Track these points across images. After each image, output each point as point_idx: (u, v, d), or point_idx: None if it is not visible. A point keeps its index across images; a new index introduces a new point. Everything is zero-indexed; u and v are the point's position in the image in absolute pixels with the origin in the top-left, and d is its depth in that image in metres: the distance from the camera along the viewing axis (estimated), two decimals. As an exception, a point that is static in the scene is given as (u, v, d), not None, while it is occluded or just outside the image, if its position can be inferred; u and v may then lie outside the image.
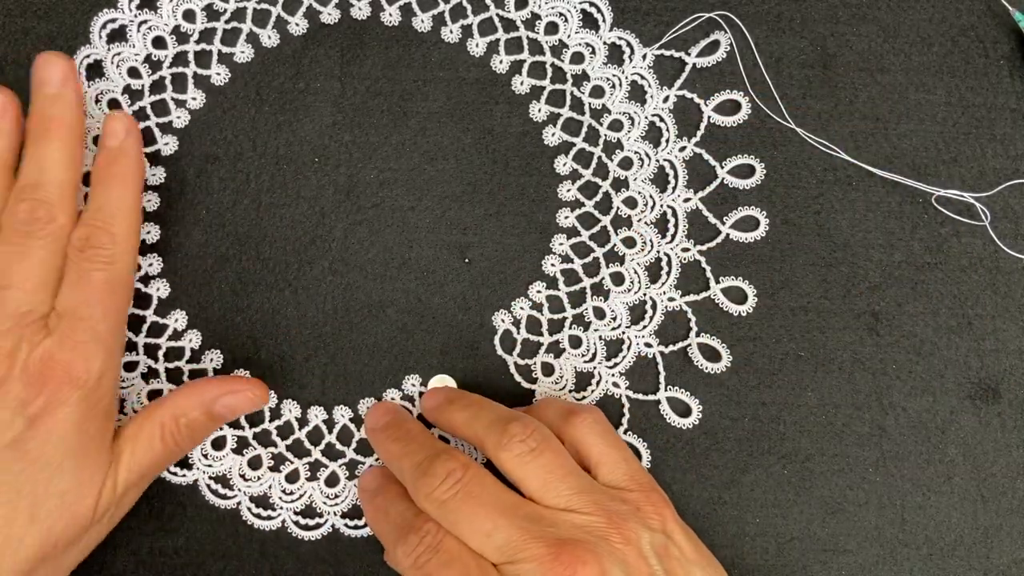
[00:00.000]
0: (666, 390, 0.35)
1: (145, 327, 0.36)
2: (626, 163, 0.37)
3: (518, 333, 0.36)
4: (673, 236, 0.36)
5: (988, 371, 0.35)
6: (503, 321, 0.36)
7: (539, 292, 0.36)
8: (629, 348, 0.36)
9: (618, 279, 0.36)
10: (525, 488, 0.29)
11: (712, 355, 0.35)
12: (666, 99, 0.37)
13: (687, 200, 0.36)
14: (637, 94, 0.37)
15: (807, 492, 0.35)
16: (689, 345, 0.36)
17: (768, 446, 0.35)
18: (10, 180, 0.32)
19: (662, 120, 0.37)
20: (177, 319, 0.36)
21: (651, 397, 0.35)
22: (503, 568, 0.27)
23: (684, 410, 0.35)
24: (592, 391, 0.35)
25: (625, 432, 0.35)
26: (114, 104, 0.37)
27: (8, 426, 0.29)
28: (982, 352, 0.35)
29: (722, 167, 0.37)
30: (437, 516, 0.29)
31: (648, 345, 0.36)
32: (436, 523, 0.29)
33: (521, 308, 0.36)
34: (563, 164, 0.37)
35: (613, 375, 0.35)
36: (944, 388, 0.35)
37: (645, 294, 0.36)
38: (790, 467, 0.35)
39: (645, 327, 0.36)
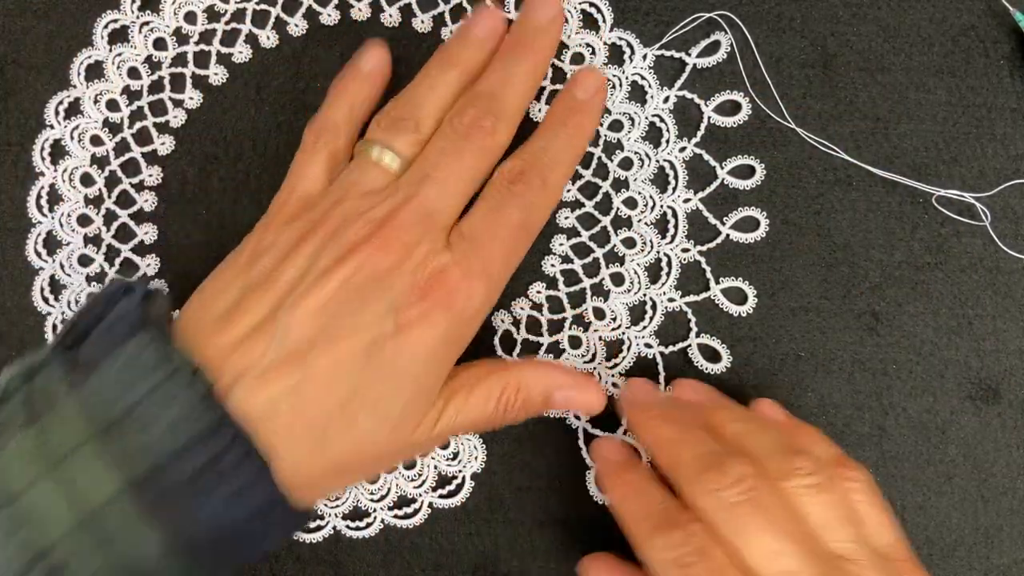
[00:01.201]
0: (666, 390, 0.35)
1: (145, 327, 0.36)
2: (626, 163, 0.37)
3: (518, 333, 0.36)
4: (673, 237, 0.36)
5: (988, 371, 0.35)
6: (503, 321, 0.36)
7: (539, 292, 0.36)
8: (629, 349, 0.36)
9: (618, 279, 0.36)
10: (803, 522, 0.27)
11: (712, 356, 0.35)
12: (666, 99, 0.37)
13: (687, 200, 0.36)
14: (637, 94, 0.37)
15: (807, 492, 0.35)
16: (689, 346, 0.36)
17: (768, 446, 0.35)
18: (464, 88, 0.32)
19: (662, 120, 0.37)
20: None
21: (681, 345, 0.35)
22: None
23: None
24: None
25: (625, 432, 0.35)
26: (112, 105, 0.37)
27: (379, 322, 0.27)
28: (982, 352, 0.35)
29: (722, 167, 0.37)
30: (717, 518, 0.26)
31: (648, 346, 0.36)
32: (704, 526, 0.26)
33: (521, 308, 0.36)
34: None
35: (613, 376, 0.35)
36: (944, 388, 0.35)
37: (645, 294, 0.36)
38: (790, 467, 0.35)
39: (645, 327, 0.36)
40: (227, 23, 0.38)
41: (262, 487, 0.25)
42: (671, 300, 0.36)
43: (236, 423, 0.25)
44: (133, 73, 0.38)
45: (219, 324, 0.27)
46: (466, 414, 0.30)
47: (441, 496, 0.35)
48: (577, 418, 0.35)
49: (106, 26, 0.38)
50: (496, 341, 0.36)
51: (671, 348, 0.36)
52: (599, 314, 0.36)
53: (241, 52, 0.38)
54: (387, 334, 0.27)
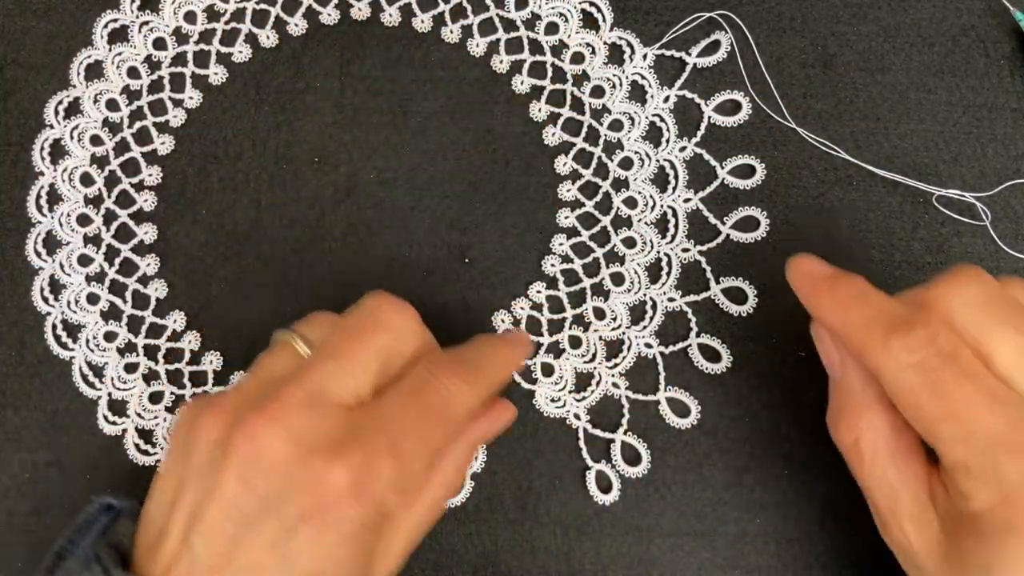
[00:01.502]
0: (666, 390, 0.35)
1: (144, 328, 0.36)
2: (626, 163, 0.37)
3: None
4: (673, 236, 0.36)
5: (989, 371, 0.35)
6: (503, 321, 0.36)
7: (539, 292, 0.36)
8: (629, 348, 0.36)
9: (618, 279, 0.36)
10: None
11: (712, 355, 0.35)
12: (666, 99, 0.37)
13: (687, 200, 0.36)
14: (637, 94, 0.37)
15: (808, 492, 0.35)
16: (689, 345, 0.36)
17: (769, 446, 0.35)
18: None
19: (662, 120, 0.37)
20: (176, 320, 0.36)
21: (651, 397, 0.35)
22: None
23: (683, 411, 0.35)
24: (592, 391, 0.35)
25: (625, 432, 0.35)
26: (112, 105, 0.37)
27: (282, 520, 0.25)
28: (983, 352, 0.35)
29: (722, 167, 0.37)
30: (963, 317, 0.24)
31: (648, 346, 0.36)
32: (948, 325, 0.24)
33: (521, 308, 0.36)
34: (563, 164, 0.37)
35: (613, 376, 0.35)
36: (945, 388, 0.35)
37: (645, 294, 0.36)
38: (791, 467, 0.35)
39: (645, 327, 0.36)
40: (227, 23, 0.38)
41: None
42: (671, 300, 0.36)
43: None
44: (133, 73, 0.38)
45: (151, 552, 0.26)
46: (420, 531, 0.28)
47: (441, 496, 0.35)
48: (577, 417, 0.35)
49: (106, 26, 0.38)
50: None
51: (671, 348, 0.36)
52: (599, 314, 0.36)
53: (241, 52, 0.38)
54: (294, 538, 0.24)
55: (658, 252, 0.36)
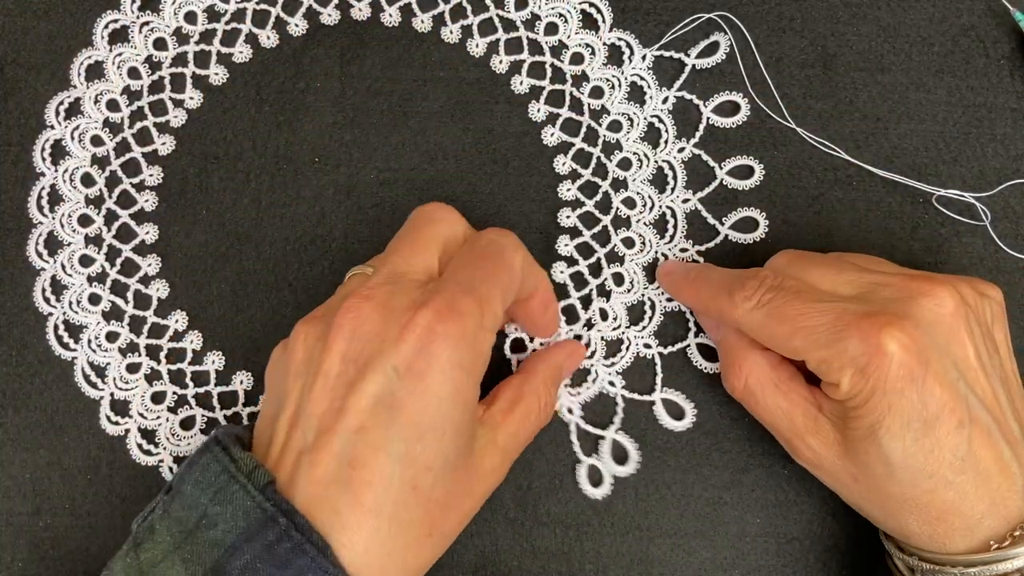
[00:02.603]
0: (662, 391, 0.35)
1: (146, 328, 0.36)
2: (625, 164, 0.37)
3: (520, 331, 0.36)
4: (672, 236, 0.36)
5: (988, 371, 0.35)
6: (517, 329, 0.36)
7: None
8: (628, 348, 0.36)
9: (618, 279, 0.36)
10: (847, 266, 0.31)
11: (711, 355, 0.35)
12: (665, 100, 0.37)
13: (686, 201, 0.36)
14: (636, 95, 0.37)
15: (808, 492, 0.35)
16: (688, 346, 0.36)
17: (768, 446, 0.35)
18: None
19: (661, 121, 0.37)
20: (177, 320, 0.36)
21: (646, 398, 0.35)
22: (865, 295, 0.29)
23: (679, 413, 0.35)
24: (588, 388, 0.35)
25: (617, 431, 0.35)
26: (113, 105, 0.38)
27: (386, 379, 0.27)
28: (982, 352, 0.35)
29: (721, 168, 0.37)
30: (784, 267, 0.32)
31: (647, 346, 0.36)
32: (773, 272, 0.31)
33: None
34: (562, 164, 0.37)
35: (610, 375, 0.35)
36: (944, 388, 0.35)
37: (643, 294, 0.36)
38: (791, 467, 0.35)
39: (644, 327, 0.36)
40: (227, 23, 0.38)
41: (321, 571, 0.25)
42: (670, 300, 0.36)
43: (289, 511, 0.26)
44: (133, 73, 0.38)
45: (270, 432, 0.28)
46: (518, 436, 0.31)
47: (441, 496, 0.35)
48: (570, 411, 0.35)
49: (106, 26, 0.38)
50: (507, 347, 0.36)
51: (670, 348, 0.36)
52: (603, 315, 0.36)
53: (241, 52, 0.38)
54: (397, 388, 0.27)
55: (656, 252, 0.36)
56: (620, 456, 0.35)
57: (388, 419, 0.26)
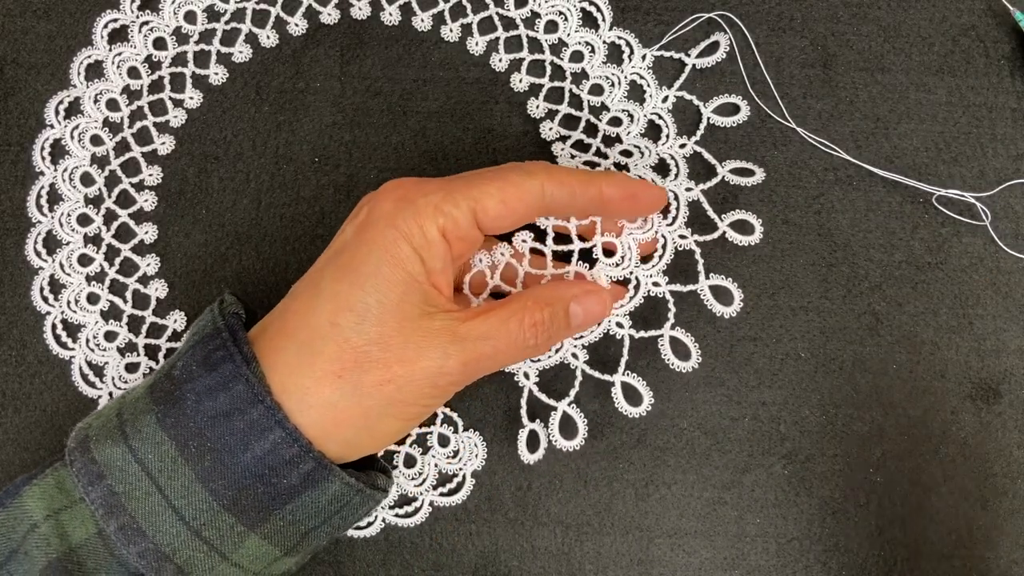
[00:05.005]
0: (623, 375, 0.34)
1: (144, 328, 0.36)
2: (625, 155, 0.36)
3: (521, 266, 0.34)
4: (673, 220, 0.34)
5: (988, 371, 0.35)
6: (503, 255, 0.34)
7: (524, 242, 0.34)
8: (638, 288, 0.34)
9: (608, 254, 0.34)
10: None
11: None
12: (665, 99, 0.37)
13: (689, 189, 0.35)
14: (636, 94, 0.37)
15: (807, 492, 0.35)
16: (661, 335, 0.34)
17: (768, 446, 0.35)
18: None
19: (661, 119, 0.37)
20: (176, 319, 0.36)
21: (607, 377, 0.34)
22: None
23: (637, 399, 0.33)
24: (550, 356, 0.34)
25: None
26: (112, 104, 0.37)
27: (341, 237, 0.31)
28: (982, 352, 0.35)
29: (722, 167, 0.36)
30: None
31: (620, 325, 0.34)
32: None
33: (523, 241, 0.33)
34: (561, 150, 0.36)
35: (617, 315, 0.34)
36: (944, 388, 0.35)
37: (633, 272, 0.34)
38: (790, 467, 0.35)
39: (654, 266, 0.34)
40: (227, 23, 0.38)
41: (243, 378, 0.28)
42: (655, 284, 0.34)
43: (233, 327, 0.29)
44: (133, 73, 0.38)
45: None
46: (485, 339, 0.29)
47: (442, 495, 0.35)
48: (526, 376, 0.34)
49: (106, 26, 0.38)
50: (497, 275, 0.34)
51: (647, 332, 0.34)
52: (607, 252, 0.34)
53: (241, 52, 0.38)
54: (348, 239, 0.29)
55: (657, 231, 0.34)
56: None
57: (327, 262, 0.30)
